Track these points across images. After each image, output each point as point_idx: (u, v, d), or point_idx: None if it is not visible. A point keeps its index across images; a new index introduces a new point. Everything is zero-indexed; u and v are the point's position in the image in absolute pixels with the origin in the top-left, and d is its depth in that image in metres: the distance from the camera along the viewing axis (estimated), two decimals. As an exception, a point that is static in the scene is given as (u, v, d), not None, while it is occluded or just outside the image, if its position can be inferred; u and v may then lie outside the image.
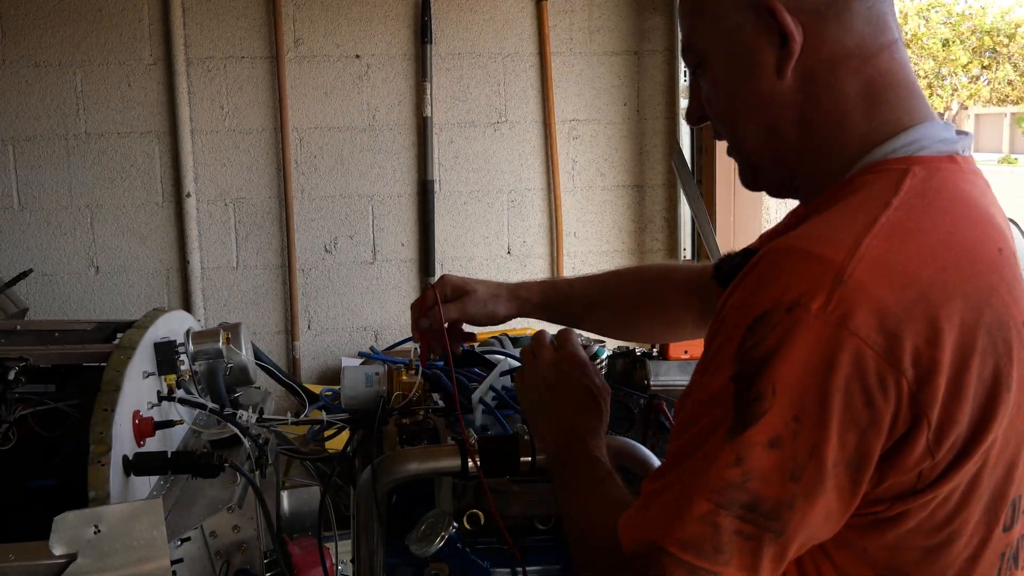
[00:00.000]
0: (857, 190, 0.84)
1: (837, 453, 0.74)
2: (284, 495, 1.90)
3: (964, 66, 18.27)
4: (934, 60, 18.13)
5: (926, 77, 18.26)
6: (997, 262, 0.80)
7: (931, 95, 18.50)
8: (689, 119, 1.02)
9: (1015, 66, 18.67)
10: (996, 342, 0.77)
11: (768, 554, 0.78)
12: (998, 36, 18.22)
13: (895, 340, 0.73)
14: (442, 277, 1.41)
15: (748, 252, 0.98)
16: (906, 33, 18.50)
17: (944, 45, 18.01)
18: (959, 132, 0.90)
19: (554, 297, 1.42)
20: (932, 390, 0.74)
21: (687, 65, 0.99)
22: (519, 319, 1.46)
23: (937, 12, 18.39)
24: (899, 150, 0.85)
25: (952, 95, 19.01)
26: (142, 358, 1.51)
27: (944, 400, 0.75)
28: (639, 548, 0.81)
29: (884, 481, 0.77)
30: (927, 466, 0.77)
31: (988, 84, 19.12)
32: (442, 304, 1.37)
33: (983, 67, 18.83)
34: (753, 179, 0.98)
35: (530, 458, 1.16)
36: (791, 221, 0.97)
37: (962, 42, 18.26)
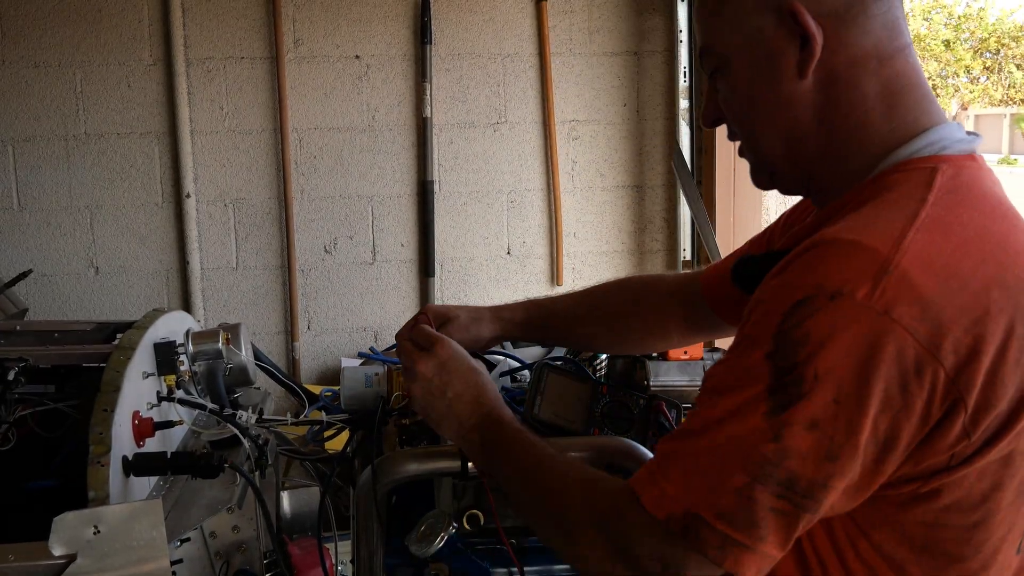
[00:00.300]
0: (890, 187, 0.86)
1: (869, 434, 0.77)
2: (284, 495, 1.90)
3: (967, 68, 18.26)
4: (937, 61, 18.12)
5: (931, 78, 18.28)
6: None
7: (936, 96, 18.50)
8: (704, 121, 1.03)
9: (1019, 67, 18.66)
10: None
11: (800, 526, 0.81)
12: (1002, 39, 18.20)
13: (936, 329, 0.76)
14: (425, 306, 1.39)
15: (775, 254, 0.98)
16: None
17: (946, 46, 18.00)
18: (970, 133, 0.92)
19: (537, 316, 1.39)
20: (970, 377, 0.77)
21: (705, 68, 0.99)
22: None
23: (939, 13, 18.38)
24: (923, 150, 0.88)
25: (955, 95, 19.00)
26: (142, 359, 1.51)
27: (983, 386, 0.78)
28: (672, 513, 0.82)
29: (921, 462, 0.80)
30: (961, 447, 0.80)
31: (997, 86, 19.11)
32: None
33: (985, 68, 18.82)
34: (769, 179, 1.00)
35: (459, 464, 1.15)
36: (816, 222, 0.97)
37: (962, 44, 18.25)
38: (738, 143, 1.01)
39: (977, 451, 0.81)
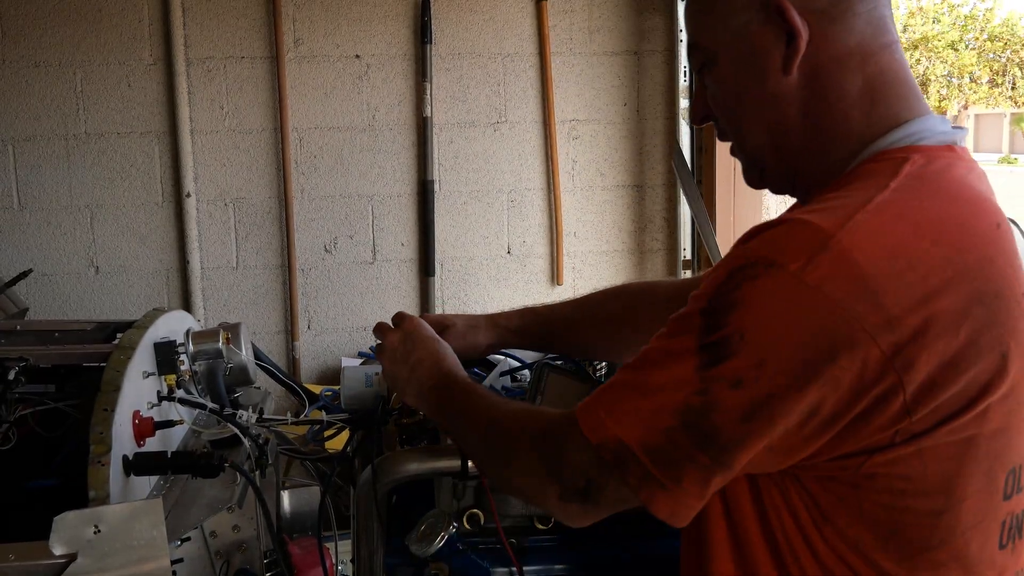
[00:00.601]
0: (861, 176, 0.88)
1: (792, 401, 0.79)
2: (284, 495, 1.90)
3: (971, 72, 18.25)
4: (944, 63, 18.10)
5: (936, 80, 18.24)
6: (995, 236, 0.84)
7: (940, 99, 18.46)
8: (693, 118, 1.04)
9: (1022, 70, 18.67)
10: (994, 311, 0.81)
11: (715, 483, 0.84)
12: (1011, 43, 18.18)
13: (874, 308, 0.77)
14: (423, 315, 1.41)
15: None
16: (914, 33, 18.44)
17: (952, 48, 17.98)
18: (955, 127, 0.93)
19: (533, 322, 1.41)
20: (913, 357, 0.78)
21: (693, 65, 1.00)
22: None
23: (947, 14, 18.35)
24: (900, 141, 0.89)
25: (960, 96, 18.99)
26: (142, 358, 1.51)
27: (930, 366, 0.78)
28: (606, 440, 0.86)
29: (862, 438, 0.81)
30: (903, 426, 0.80)
31: (997, 87, 19.10)
32: None
33: (992, 71, 18.81)
34: (759, 177, 1.01)
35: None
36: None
37: (967, 46, 18.24)
38: (731, 143, 1.02)
39: (926, 431, 0.81)
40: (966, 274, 0.80)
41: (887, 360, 0.78)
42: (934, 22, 18.27)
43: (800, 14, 0.89)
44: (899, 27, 18.09)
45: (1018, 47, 18.14)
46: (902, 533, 0.85)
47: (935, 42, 17.96)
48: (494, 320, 1.41)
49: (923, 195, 0.84)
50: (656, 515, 0.87)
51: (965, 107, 21.46)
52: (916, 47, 18.21)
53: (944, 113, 19.17)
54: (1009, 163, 27.91)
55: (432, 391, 1.16)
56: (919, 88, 0.94)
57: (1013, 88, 18.70)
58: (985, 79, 18.77)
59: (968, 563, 0.86)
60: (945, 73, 18.04)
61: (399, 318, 1.28)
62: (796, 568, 0.88)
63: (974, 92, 18.91)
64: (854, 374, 0.78)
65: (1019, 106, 20.23)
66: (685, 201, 3.40)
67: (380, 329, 1.29)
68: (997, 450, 0.84)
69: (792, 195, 1.01)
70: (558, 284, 3.49)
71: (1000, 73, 18.75)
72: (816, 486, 0.86)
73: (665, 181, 3.51)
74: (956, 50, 17.90)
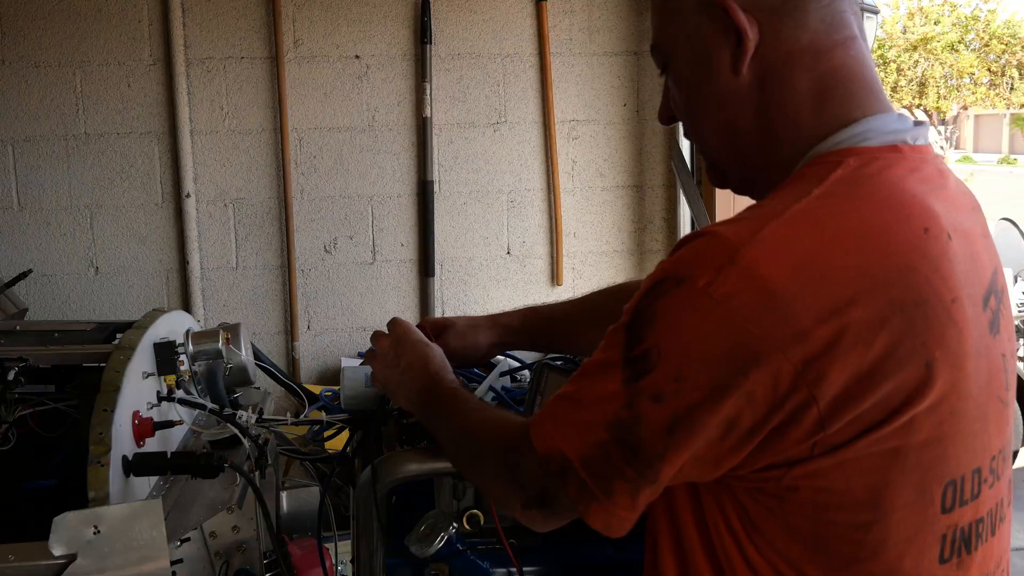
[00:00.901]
0: (795, 182, 0.87)
1: (709, 415, 0.79)
2: (284, 495, 1.90)
3: (972, 73, 18.22)
4: (942, 65, 18.07)
5: (935, 81, 18.22)
6: (920, 242, 0.81)
7: (939, 99, 18.43)
8: (660, 118, 1.04)
9: (1022, 74, 18.64)
10: (913, 320, 0.79)
11: (644, 495, 0.85)
12: (1012, 45, 18.16)
13: (782, 320, 0.76)
14: (423, 318, 1.42)
15: None
16: (913, 34, 18.42)
17: (952, 49, 17.96)
18: (917, 123, 0.91)
19: (535, 322, 1.41)
20: (825, 368, 0.77)
21: (656, 65, 1.00)
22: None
23: (947, 16, 18.32)
24: (842, 142, 0.87)
25: (958, 97, 18.97)
26: (142, 359, 1.51)
27: (842, 379, 0.77)
28: (551, 452, 0.88)
29: (780, 450, 0.81)
30: (820, 438, 0.79)
31: (995, 89, 19.07)
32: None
33: (990, 71, 18.78)
34: (720, 177, 1.01)
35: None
36: None
37: (967, 46, 18.21)
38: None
39: (845, 442, 0.79)
40: (882, 283, 0.78)
41: (798, 374, 0.77)
42: (935, 24, 18.26)
43: (750, 12, 0.88)
44: (898, 28, 17.87)
45: (1017, 48, 18.12)
46: (830, 546, 0.84)
47: (934, 43, 17.93)
48: (496, 320, 1.41)
49: (846, 201, 0.82)
50: (592, 526, 0.88)
51: (964, 108, 21.45)
52: (915, 48, 18.19)
53: (943, 114, 19.16)
54: (1009, 163, 27.91)
55: (419, 394, 1.17)
56: (879, 85, 0.92)
57: (1012, 90, 18.68)
58: (984, 80, 18.75)
59: None
60: (944, 74, 18.01)
61: (391, 324, 1.29)
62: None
63: (972, 93, 18.90)
64: (767, 388, 0.78)
65: (1011, 106, 20.22)
66: (685, 201, 3.40)
67: (375, 336, 1.31)
68: (929, 462, 0.82)
69: (752, 197, 1.00)
70: (558, 284, 3.49)
71: (999, 74, 18.73)
72: (746, 497, 0.86)
73: (665, 181, 3.51)
74: (956, 51, 17.88)
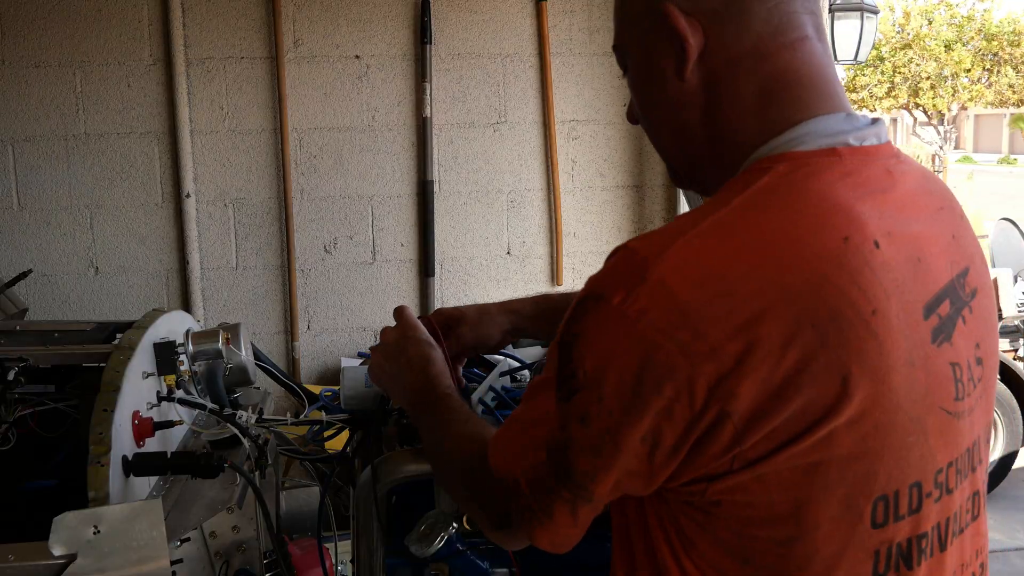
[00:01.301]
0: (724, 189, 0.85)
1: (633, 433, 0.80)
2: (284, 495, 1.90)
3: (967, 70, 18.20)
4: (936, 62, 18.05)
5: (929, 78, 18.19)
6: (838, 252, 0.78)
7: (934, 96, 18.42)
8: (629, 118, 1.04)
9: (1016, 69, 18.61)
10: (827, 334, 0.76)
11: (584, 513, 0.86)
12: (1002, 42, 18.15)
13: (693, 336, 0.76)
14: (437, 310, 1.41)
15: None
16: (908, 34, 18.40)
17: (947, 48, 17.94)
18: (873, 122, 0.89)
19: (548, 308, 1.38)
20: (736, 383, 0.76)
21: (619, 66, 1.00)
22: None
23: (942, 14, 18.30)
24: (778, 147, 0.85)
25: (953, 96, 18.93)
26: (142, 359, 1.51)
27: (755, 393, 0.76)
28: (503, 473, 0.90)
29: (701, 465, 0.80)
30: (738, 452, 0.78)
31: (990, 87, 19.03)
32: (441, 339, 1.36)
33: (984, 70, 18.76)
34: (678, 179, 1.00)
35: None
36: None
37: (964, 44, 18.19)
38: None
39: (763, 457, 0.78)
40: (794, 296, 0.76)
41: (711, 389, 0.76)
42: (928, 22, 18.25)
43: (693, 16, 0.86)
44: (893, 29, 17.80)
45: (1006, 44, 18.09)
46: (757, 560, 0.83)
47: (928, 41, 17.92)
48: (507, 306, 1.39)
49: (763, 211, 0.81)
50: (538, 547, 0.89)
51: (964, 108, 21.43)
52: (909, 47, 18.19)
53: (942, 114, 19.14)
54: (1009, 163, 27.91)
55: (413, 394, 1.17)
56: (832, 86, 0.89)
57: (1010, 87, 18.68)
58: (978, 77, 18.74)
59: None
60: (936, 73, 17.99)
61: (398, 314, 1.28)
62: None
63: (967, 91, 18.89)
64: (683, 404, 0.77)
65: (1007, 103, 20.19)
66: (684, 202, 3.40)
67: (384, 331, 1.31)
68: (854, 477, 0.80)
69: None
70: (558, 284, 3.49)
71: (992, 71, 18.72)
72: (679, 511, 0.85)
73: (665, 181, 3.51)
74: (952, 50, 17.86)
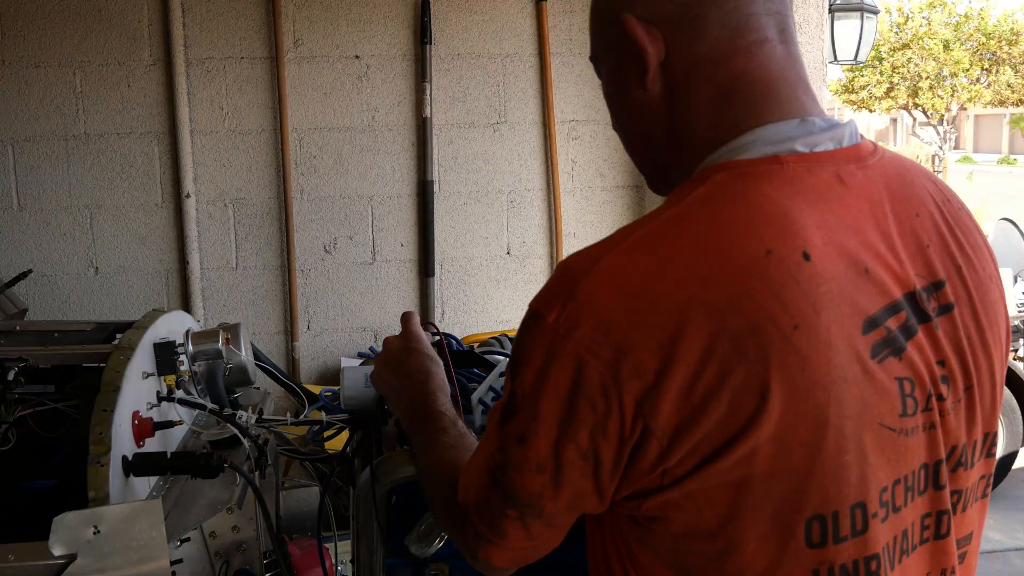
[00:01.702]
0: (666, 201, 0.85)
1: (573, 451, 0.80)
2: (283, 495, 1.90)
3: (966, 70, 18.19)
4: (935, 61, 18.06)
5: (928, 79, 18.20)
6: (759, 265, 0.76)
7: (932, 96, 18.42)
8: (613, 126, 1.04)
9: (1015, 69, 18.62)
10: (745, 349, 0.75)
11: (536, 527, 0.87)
12: (1000, 41, 18.15)
13: (618, 352, 0.76)
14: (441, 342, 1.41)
15: None
16: (907, 33, 18.40)
17: (945, 47, 17.94)
18: (840, 124, 0.87)
19: None
20: (658, 399, 0.76)
21: (596, 75, 1.01)
22: (520, 321, 1.44)
23: (939, 12, 18.30)
24: (722, 156, 0.85)
25: (952, 96, 18.93)
26: (141, 359, 1.51)
27: (674, 409, 0.76)
28: (461, 501, 0.92)
29: (635, 480, 0.80)
30: (666, 467, 0.78)
31: (989, 87, 19.03)
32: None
33: (983, 69, 18.77)
34: (655, 187, 1.01)
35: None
36: None
37: (963, 44, 18.18)
38: None
39: (688, 473, 0.78)
40: (713, 311, 0.75)
41: (637, 404, 0.76)
42: (926, 22, 18.24)
43: (653, 25, 0.86)
44: (892, 29, 17.76)
45: (1003, 43, 18.08)
46: (696, 573, 0.83)
47: (926, 41, 17.91)
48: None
49: (689, 224, 0.80)
50: (497, 567, 0.91)
51: (963, 108, 21.43)
52: (908, 47, 18.19)
53: (940, 114, 19.13)
54: (1009, 163, 27.90)
55: (410, 406, 1.19)
56: (792, 89, 0.87)
57: (1008, 87, 18.67)
58: (977, 77, 18.74)
59: None
60: (935, 73, 17.98)
61: (404, 322, 1.29)
62: None
63: (966, 91, 18.89)
64: (615, 420, 0.77)
65: (1005, 102, 20.17)
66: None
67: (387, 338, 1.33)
68: (781, 494, 0.78)
69: None
70: (558, 284, 3.49)
71: (991, 71, 18.72)
72: (623, 525, 0.86)
73: (665, 181, 3.51)
74: (950, 49, 17.85)
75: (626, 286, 0.77)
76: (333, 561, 1.68)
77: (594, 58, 0.98)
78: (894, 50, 18.34)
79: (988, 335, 0.90)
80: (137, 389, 1.47)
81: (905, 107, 19.93)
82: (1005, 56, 18.43)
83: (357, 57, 3.28)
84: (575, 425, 0.79)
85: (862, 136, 0.90)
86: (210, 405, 1.57)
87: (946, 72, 18.22)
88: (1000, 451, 4.45)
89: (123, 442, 1.37)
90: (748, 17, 0.85)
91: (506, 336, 1.85)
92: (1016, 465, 4.60)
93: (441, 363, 1.25)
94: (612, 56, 0.93)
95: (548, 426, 0.80)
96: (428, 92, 3.29)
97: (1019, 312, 5.34)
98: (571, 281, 0.79)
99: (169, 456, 1.41)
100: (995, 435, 0.93)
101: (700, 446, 0.76)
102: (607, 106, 0.99)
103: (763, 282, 0.76)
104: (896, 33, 18.50)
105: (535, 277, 3.50)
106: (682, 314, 0.75)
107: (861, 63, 6.58)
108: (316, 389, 2.57)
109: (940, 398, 0.84)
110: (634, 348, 0.76)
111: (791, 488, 0.78)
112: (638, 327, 0.76)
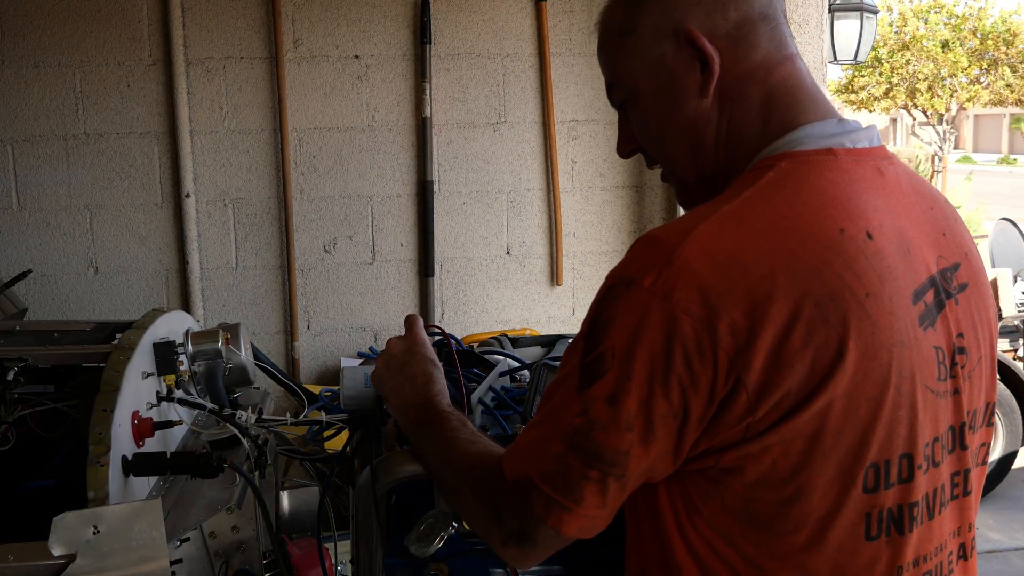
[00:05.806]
0: (733, 185, 0.94)
1: (664, 407, 0.86)
2: (284, 495, 1.90)
3: (964, 69, 18.19)
4: (934, 63, 18.05)
5: (926, 79, 18.20)
6: (835, 241, 0.87)
7: (931, 96, 18.42)
8: (620, 153, 1.12)
9: (1013, 69, 18.61)
10: (828, 313, 0.85)
11: (613, 491, 0.91)
12: (997, 41, 18.14)
13: (714, 312, 0.84)
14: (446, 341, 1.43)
15: None
16: (905, 35, 18.39)
17: (944, 47, 17.93)
18: (863, 128, 0.98)
19: None
20: (749, 357, 0.84)
21: (613, 102, 1.07)
22: (520, 321, 1.45)
23: (937, 13, 18.29)
24: (779, 148, 0.95)
25: (951, 97, 18.92)
26: (141, 359, 1.51)
27: (764, 367, 0.84)
28: (518, 477, 0.94)
29: (717, 434, 0.88)
30: (751, 421, 0.86)
31: (987, 87, 19.03)
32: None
33: (982, 70, 18.76)
34: (690, 198, 1.07)
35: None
36: None
37: (962, 44, 18.17)
38: (660, 168, 1.09)
39: (771, 426, 0.86)
40: (798, 279, 0.85)
41: (730, 361, 0.84)
42: (924, 22, 18.23)
43: (710, 40, 0.96)
44: (891, 31, 17.77)
45: (1001, 43, 18.07)
46: (760, 520, 0.90)
47: (925, 41, 17.89)
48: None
49: (770, 202, 0.89)
50: (567, 536, 0.93)
51: (963, 108, 21.42)
52: (907, 48, 18.18)
53: (939, 114, 19.13)
54: (1009, 163, 27.90)
55: (413, 409, 1.20)
56: (821, 95, 1.00)
57: (1007, 87, 18.65)
58: (975, 77, 18.73)
59: (826, 549, 0.90)
60: (934, 73, 17.97)
61: (408, 325, 1.32)
62: (673, 558, 0.95)
63: (965, 92, 18.87)
64: (707, 376, 0.85)
65: (1004, 102, 20.17)
66: (684, 201, 3.40)
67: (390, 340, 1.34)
68: (848, 445, 0.88)
69: None
70: (558, 284, 3.49)
71: (989, 71, 18.71)
72: (689, 481, 0.92)
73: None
74: (949, 50, 17.83)
75: (719, 254, 0.86)
76: (333, 561, 1.68)
77: (622, 84, 1.04)
78: (893, 51, 18.34)
79: (988, 314, 1.03)
80: (137, 389, 1.47)
81: (904, 107, 19.92)
82: (1003, 56, 18.44)
83: (357, 57, 3.28)
84: (669, 382, 0.85)
85: None
86: (210, 405, 1.57)
87: (944, 73, 18.22)
88: (1000, 451, 4.45)
89: (123, 442, 1.37)
90: (783, 35, 1.00)
91: (506, 336, 1.85)
92: (1016, 465, 4.59)
93: (441, 367, 1.26)
94: (662, 74, 1.00)
95: (640, 384, 0.86)
96: (428, 92, 3.29)
97: (1019, 312, 5.34)
98: (667, 249, 0.87)
99: (169, 456, 1.41)
100: (994, 405, 1.06)
101: (784, 401, 0.85)
102: (644, 126, 1.05)
103: (839, 256, 0.87)
104: (896, 34, 18.50)
105: (535, 277, 3.50)
106: (772, 280, 0.85)
107: (861, 63, 6.59)
108: (316, 389, 2.57)
109: (961, 367, 0.96)
110: (728, 309, 0.84)
111: (856, 439, 0.88)
112: (732, 290, 0.84)
